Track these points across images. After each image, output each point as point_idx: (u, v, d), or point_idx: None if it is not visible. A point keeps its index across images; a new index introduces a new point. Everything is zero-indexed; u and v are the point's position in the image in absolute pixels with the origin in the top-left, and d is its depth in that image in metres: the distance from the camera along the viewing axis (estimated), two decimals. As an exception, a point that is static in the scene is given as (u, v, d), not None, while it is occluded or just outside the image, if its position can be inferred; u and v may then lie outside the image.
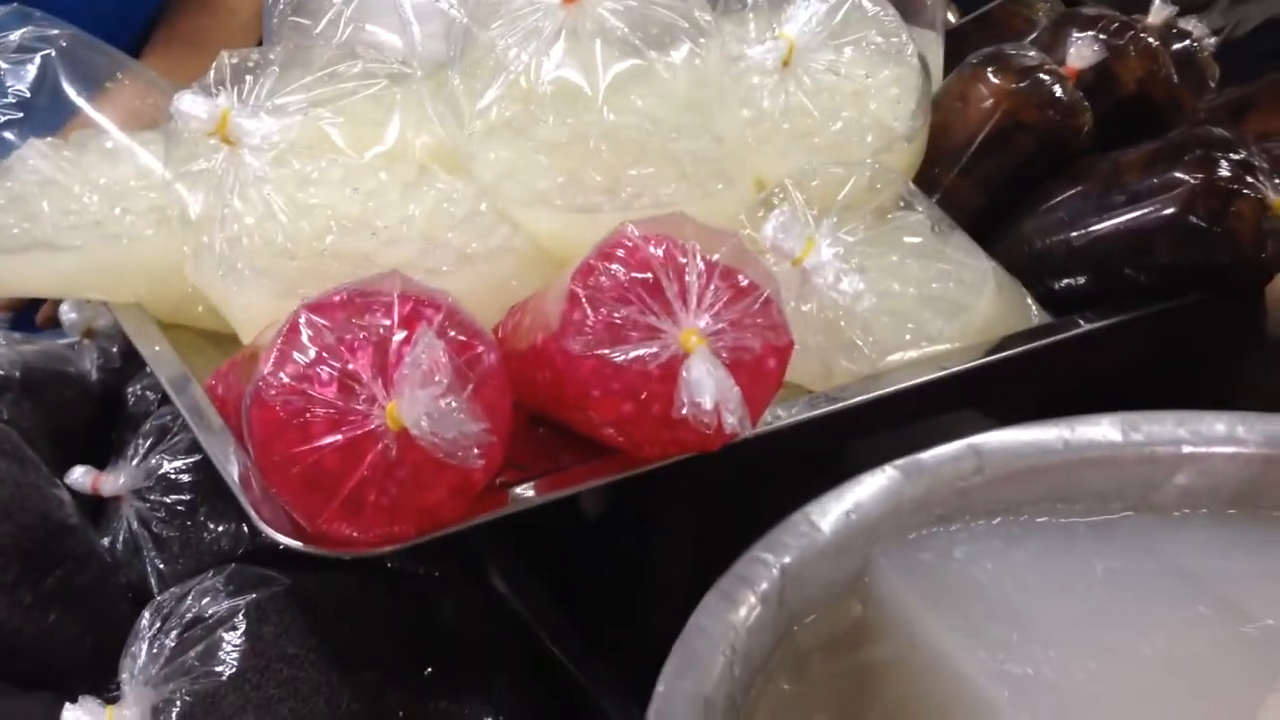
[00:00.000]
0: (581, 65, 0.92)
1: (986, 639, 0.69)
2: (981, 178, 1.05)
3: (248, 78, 0.85)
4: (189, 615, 0.77)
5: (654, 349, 0.69)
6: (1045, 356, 0.93)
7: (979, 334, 0.92)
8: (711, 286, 0.71)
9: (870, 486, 0.74)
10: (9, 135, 0.99)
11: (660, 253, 0.71)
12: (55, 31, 1.01)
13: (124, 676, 0.76)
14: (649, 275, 0.70)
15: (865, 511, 0.73)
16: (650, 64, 0.94)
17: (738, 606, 0.66)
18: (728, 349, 0.71)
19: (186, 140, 0.86)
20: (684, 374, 0.68)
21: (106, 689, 0.78)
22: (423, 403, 0.63)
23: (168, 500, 0.90)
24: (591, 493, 0.77)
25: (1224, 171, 0.93)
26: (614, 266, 0.71)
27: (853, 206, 0.93)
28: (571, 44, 0.91)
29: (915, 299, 0.93)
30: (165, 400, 0.97)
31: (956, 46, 1.16)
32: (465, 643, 0.87)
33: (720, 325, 0.71)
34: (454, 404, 0.64)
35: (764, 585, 0.68)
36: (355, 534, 0.68)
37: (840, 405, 0.84)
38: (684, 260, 0.71)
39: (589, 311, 0.70)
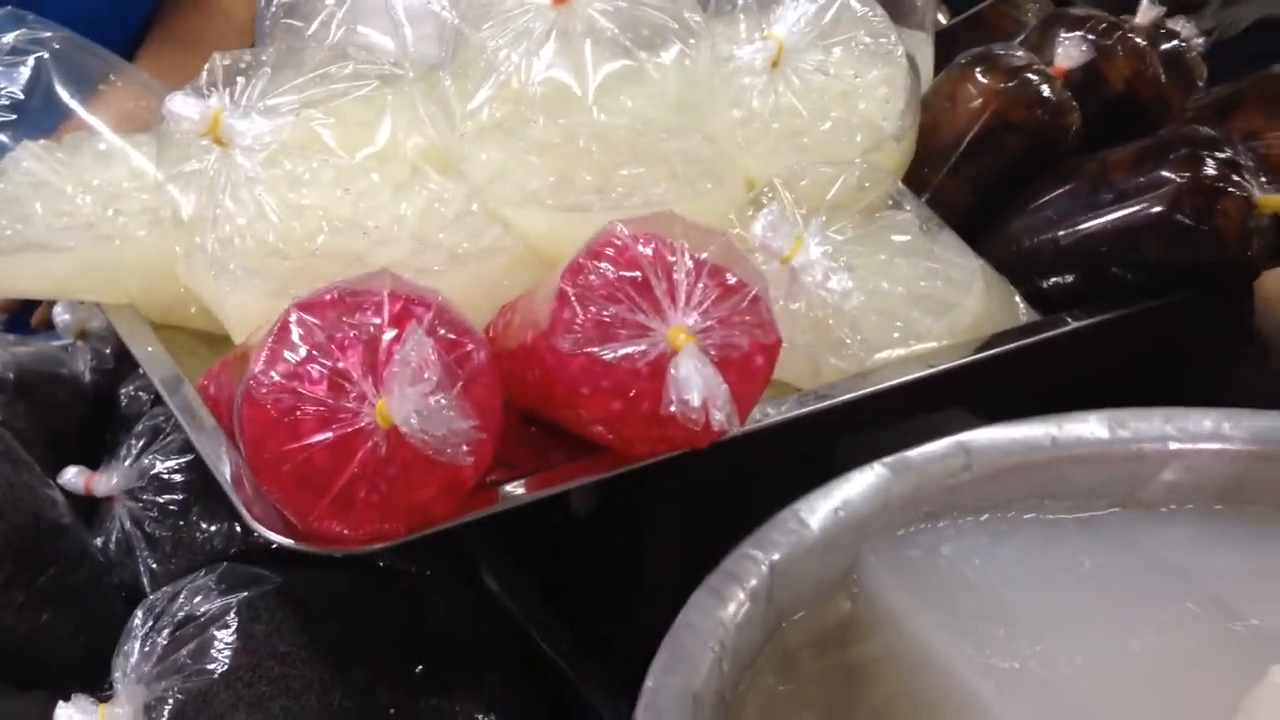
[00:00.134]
0: (572, 66, 0.92)
1: (974, 635, 0.69)
2: (970, 177, 1.05)
3: (239, 79, 0.85)
4: (181, 614, 0.77)
5: (642, 347, 0.70)
6: (1033, 354, 0.93)
7: (967, 332, 0.92)
8: (700, 284, 0.71)
9: (859, 484, 0.74)
10: (2, 137, 1.00)
11: (649, 251, 0.71)
12: (49, 34, 1.01)
13: (117, 675, 0.76)
14: (638, 274, 0.71)
15: (854, 509, 0.73)
16: (640, 65, 0.94)
17: (727, 603, 0.66)
18: (716, 346, 0.71)
19: (179, 141, 0.86)
20: (672, 371, 0.69)
21: (100, 688, 0.78)
22: (412, 400, 0.64)
23: (160, 500, 0.90)
24: (581, 490, 0.78)
25: (1210, 170, 0.94)
26: (603, 265, 0.71)
27: (841, 206, 0.93)
28: (562, 45, 0.92)
29: (904, 297, 0.93)
30: (158, 401, 0.98)
31: (947, 47, 1.17)
32: (456, 640, 0.87)
33: (708, 323, 0.71)
34: (443, 401, 0.64)
35: (753, 582, 0.68)
36: (346, 531, 0.68)
37: (829, 403, 0.84)
38: (672, 259, 0.71)
39: (578, 310, 0.70)
